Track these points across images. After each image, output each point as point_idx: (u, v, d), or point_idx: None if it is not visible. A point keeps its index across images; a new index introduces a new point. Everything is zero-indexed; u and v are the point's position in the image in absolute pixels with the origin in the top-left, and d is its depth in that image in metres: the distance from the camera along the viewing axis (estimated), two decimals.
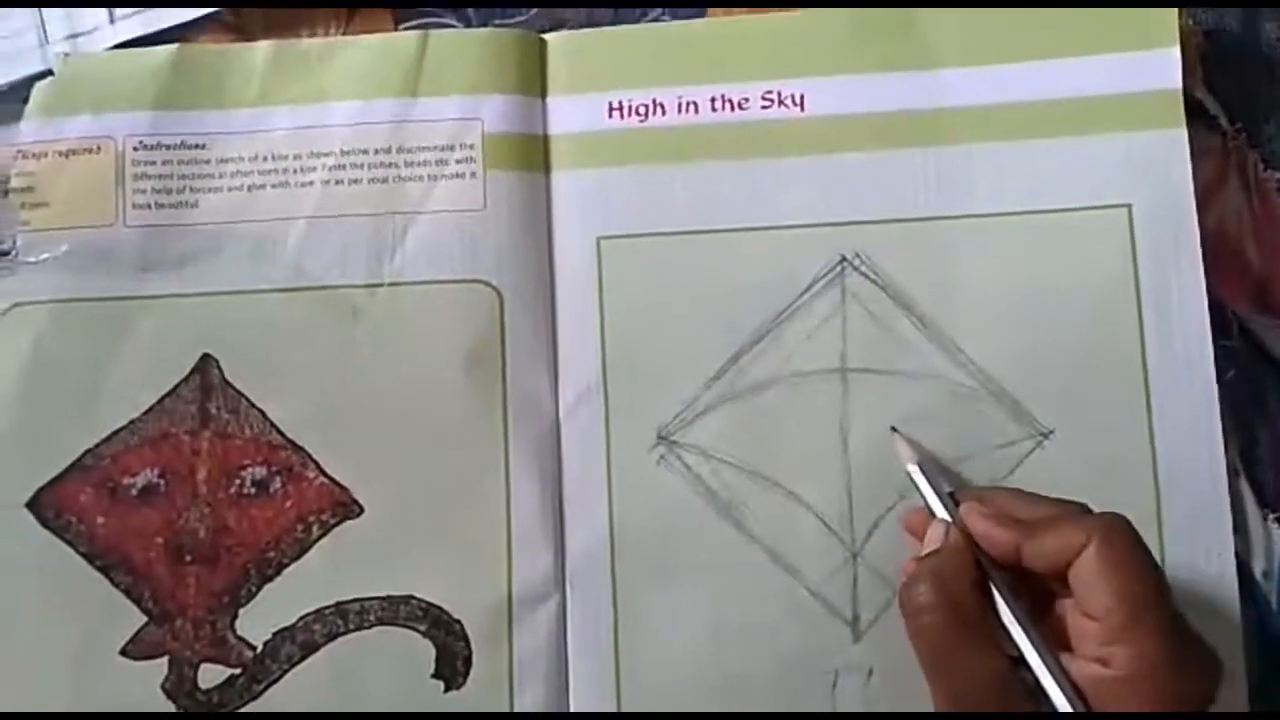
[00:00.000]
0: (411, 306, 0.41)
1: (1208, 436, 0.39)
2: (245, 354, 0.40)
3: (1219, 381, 0.39)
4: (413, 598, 0.39)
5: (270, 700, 0.39)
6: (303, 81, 0.42)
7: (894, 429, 0.39)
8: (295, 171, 0.41)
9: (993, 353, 0.40)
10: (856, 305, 0.40)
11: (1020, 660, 0.32)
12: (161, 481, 0.40)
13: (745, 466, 0.40)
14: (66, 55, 0.43)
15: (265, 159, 0.42)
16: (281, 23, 0.44)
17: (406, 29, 0.44)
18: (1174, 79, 0.41)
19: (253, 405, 0.40)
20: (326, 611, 0.39)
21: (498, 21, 0.44)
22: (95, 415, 0.40)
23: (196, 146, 0.42)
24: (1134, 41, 0.41)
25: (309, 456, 0.40)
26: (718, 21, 0.43)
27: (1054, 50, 0.41)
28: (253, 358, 0.40)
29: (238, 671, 0.39)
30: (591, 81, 0.42)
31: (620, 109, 0.42)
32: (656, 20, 0.44)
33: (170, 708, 0.38)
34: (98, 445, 0.40)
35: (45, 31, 0.43)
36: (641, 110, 0.42)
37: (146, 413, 0.40)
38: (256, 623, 0.39)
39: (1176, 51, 0.41)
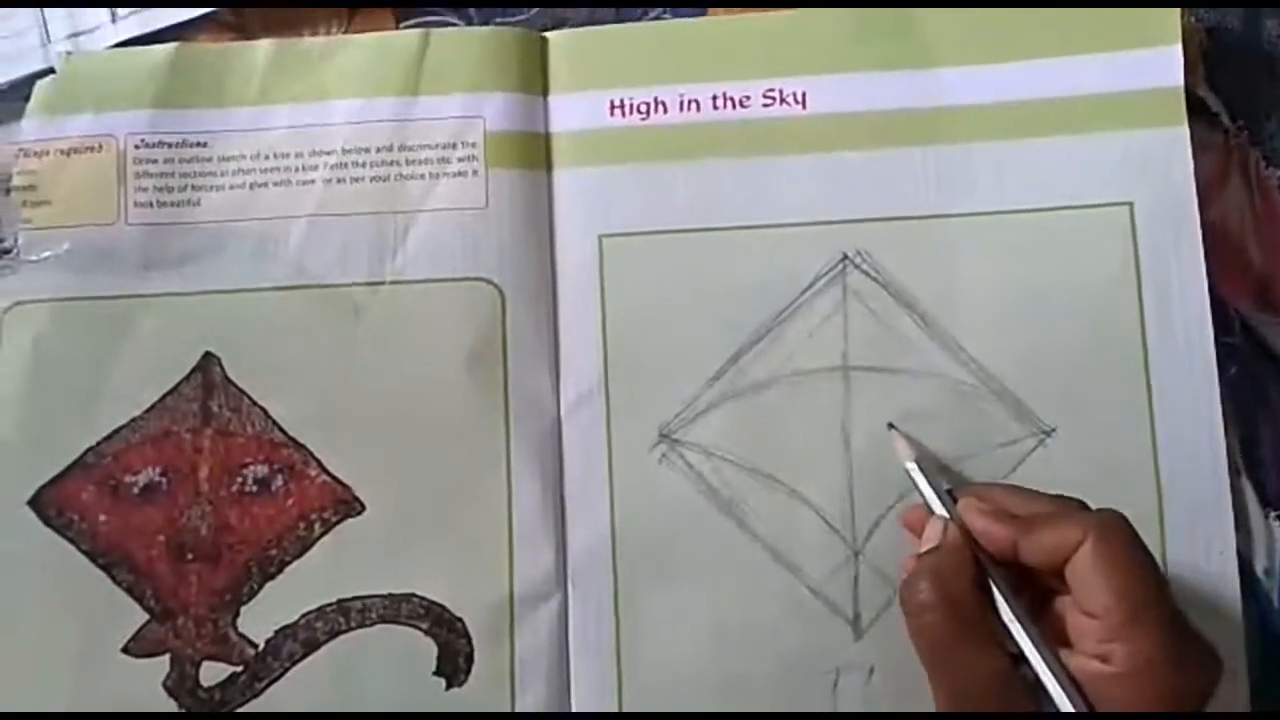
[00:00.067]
0: (413, 305, 0.41)
1: (1209, 434, 0.39)
2: (247, 352, 0.40)
3: (1220, 379, 0.39)
4: (414, 596, 0.39)
5: (272, 698, 0.39)
6: (304, 80, 0.42)
7: (891, 426, 0.39)
8: (297, 170, 0.41)
9: (994, 351, 0.40)
10: (858, 303, 0.40)
11: (1020, 657, 0.32)
12: (163, 480, 0.40)
13: (747, 465, 0.40)
14: (68, 54, 0.43)
15: (267, 157, 0.42)
16: (283, 21, 0.44)
17: (408, 27, 0.44)
18: (1175, 77, 0.41)
19: (254, 403, 0.40)
20: (328, 609, 0.39)
21: (499, 20, 0.44)
22: (97, 413, 0.40)
23: (198, 145, 0.42)
24: (1136, 39, 0.41)
25: (311, 454, 0.40)
26: (719, 20, 0.43)
27: (1055, 48, 0.41)
28: (254, 356, 0.40)
29: (239, 669, 0.39)
30: (593, 80, 0.42)
31: (622, 107, 0.42)
32: (658, 18, 0.44)
33: (172, 706, 0.38)
34: (99, 443, 0.40)
35: (47, 30, 0.43)
36: (643, 108, 0.42)
37: (148, 411, 0.40)
38: (258, 621, 0.39)
39: (1178, 49, 0.41)
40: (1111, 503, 0.33)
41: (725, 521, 0.40)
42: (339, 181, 0.41)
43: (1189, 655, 0.31)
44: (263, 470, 0.40)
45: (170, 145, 0.42)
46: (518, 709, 0.38)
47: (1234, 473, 0.39)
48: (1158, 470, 0.39)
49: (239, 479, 0.40)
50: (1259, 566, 0.39)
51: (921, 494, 0.37)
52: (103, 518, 0.39)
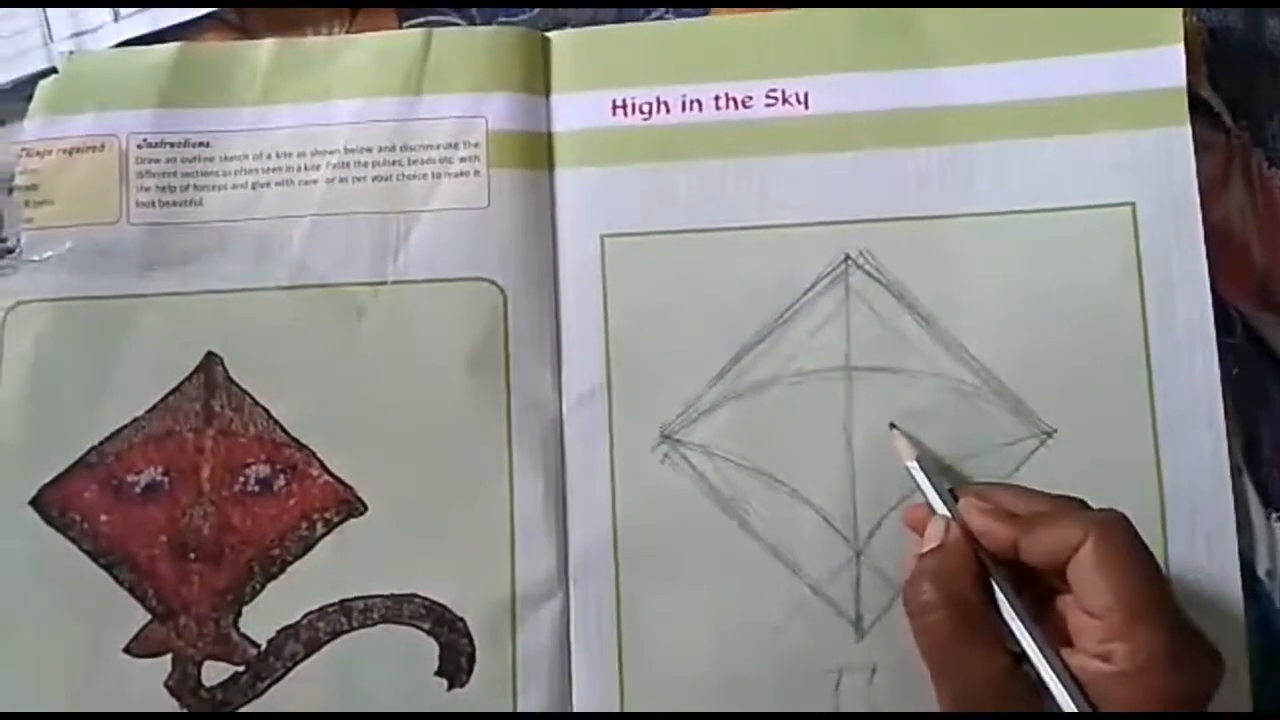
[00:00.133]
0: (415, 305, 0.41)
1: (1211, 435, 0.39)
2: (249, 352, 0.40)
3: (1222, 379, 0.39)
4: (416, 596, 0.39)
5: (273, 698, 0.39)
6: (306, 80, 0.42)
7: (893, 426, 0.39)
8: (299, 170, 0.41)
9: (996, 351, 0.40)
10: (860, 303, 0.40)
11: (1023, 657, 0.32)
12: (165, 479, 0.40)
13: (749, 465, 0.40)
14: (71, 53, 0.43)
15: (269, 157, 0.42)
16: (285, 21, 0.44)
17: (410, 27, 0.44)
18: (1178, 77, 0.41)
19: (256, 403, 0.40)
20: (330, 609, 0.39)
21: (501, 19, 0.44)
22: (99, 413, 0.40)
23: (200, 145, 0.42)
24: (1138, 40, 0.41)
25: (313, 454, 0.40)
26: (721, 20, 0.43)
27: (1058, 48, 0.41)
28: (257, 356, 0.40)
29: (241, 669, 0.39)
30: (595, 79, 0.42)
31: (624, 107, 0.42)
32: (660, 18, 0.44)
33: (174, 706, 0.38)
34: (101, 443, 0.40)
35: (49, 30, 0.43)
36: (645, 108, 0.42)
37: (150, 411, 0.40)
38: (260, 621, 0.39)
39: (1181, 50, 0.41)
40: (1113, 503, 0.33)
41: (727, 521, 0.39)
42: (341, 181, 0.41)
43: (1190, 655, 0.31)
44: (265, 470, 0.40)
45: (172, 145, 0.42)
46: (519, 709, 0.38)
47: (1235, 473, 0.39)
48: (1159, 471, 0.39)
49: (241, 479, 0.40)
50: (1260, 567, 0.39)
51: (923, 494, 0.37)
52: (104, 517, 0.39)
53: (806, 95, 0.42)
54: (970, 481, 0.39)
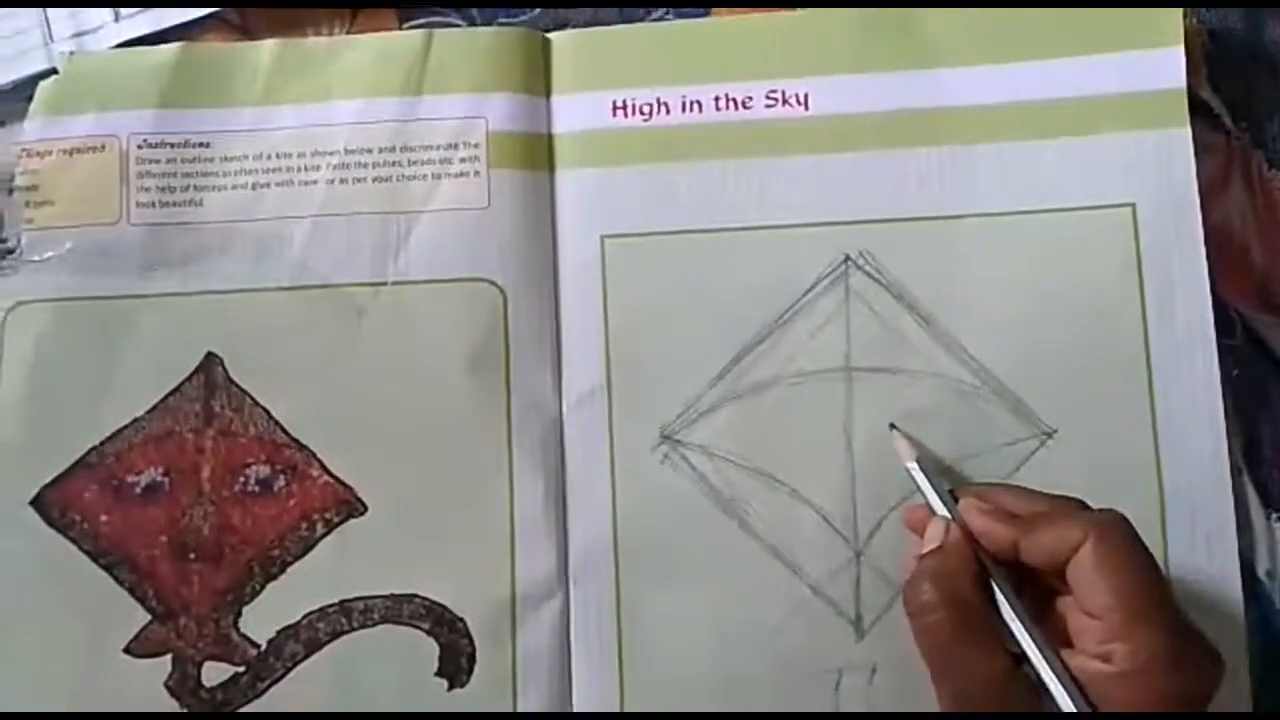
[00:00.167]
0: (415, 305, 0.41)
1: (1211, 435, 0.39)
2: (249, 352, 0.40)
3: (1222, 380, 0.39)
4: (416, 596, 0.39)
5: (273, 698, 0.39)
6: (307, 80, 0.42)
7: (893, 426, 0.39)
8: (299, 170, 0.41)
9: (996, 352, 0.40)
10: (860, 304, 0.41)
11: (1023, 657, 0.32)
12: (165, 480, 0.40)
13: (749, 465, 0.40)
14: (71, 54, 0.43)
15: (269, 158, 0.42)
16: (286, 22, 0.44)
17: (410, 28, 0.44)
18: (1178, 79, 0.41)
19: (256, 404, 0.40)
20: (330, 610, 0.39)
21: (502, 20, 0.44)
22: (99, 414, 0.40)
23: (201, 145, 0.42)
24: (1138, 41, 0.41)
25: (313, 455, 0.40)
26: (722, 21, 0.43)
27: (1058, 50, 0.41)
28: (257, 356, 0.40)
29: (241, 670, 0.39)
30: (596, 80, 0.42)
31: (624, 108, 0.42)
32: (661, 19, 0.44)
33: (174, 706, 0.38)
34: (102, 443, 0.40)
35: (50, 30, 0.43)
36: (645, 109, 0.42)
37: (150, 411, 0.40)
38: (260, 621, 0.39)
39: (1181, 51, 0.41)
40: (1113, 504, 0.33)
41: (727, 522, 0.40)
42: (342, 182, 0.41)
43: (1190, 655, 0.31)
44: (265, 470, 0.40)
45: (173, 145, 0.42)
46: (519, 709, 0.38)
47: (1235, 473, 0.39)
48: (1159, 471, 0.39)
49: (241, 479, 0.40)
50: (1260, 568, 0.40)
51: (923, 494, 0.37)
52: (105, 518, 0.39)
53: (807, 96, 0.42)
54: (970, 482, 0.39)
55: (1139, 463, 0.39)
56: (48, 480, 0.39)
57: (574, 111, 0.42)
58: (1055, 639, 0.32)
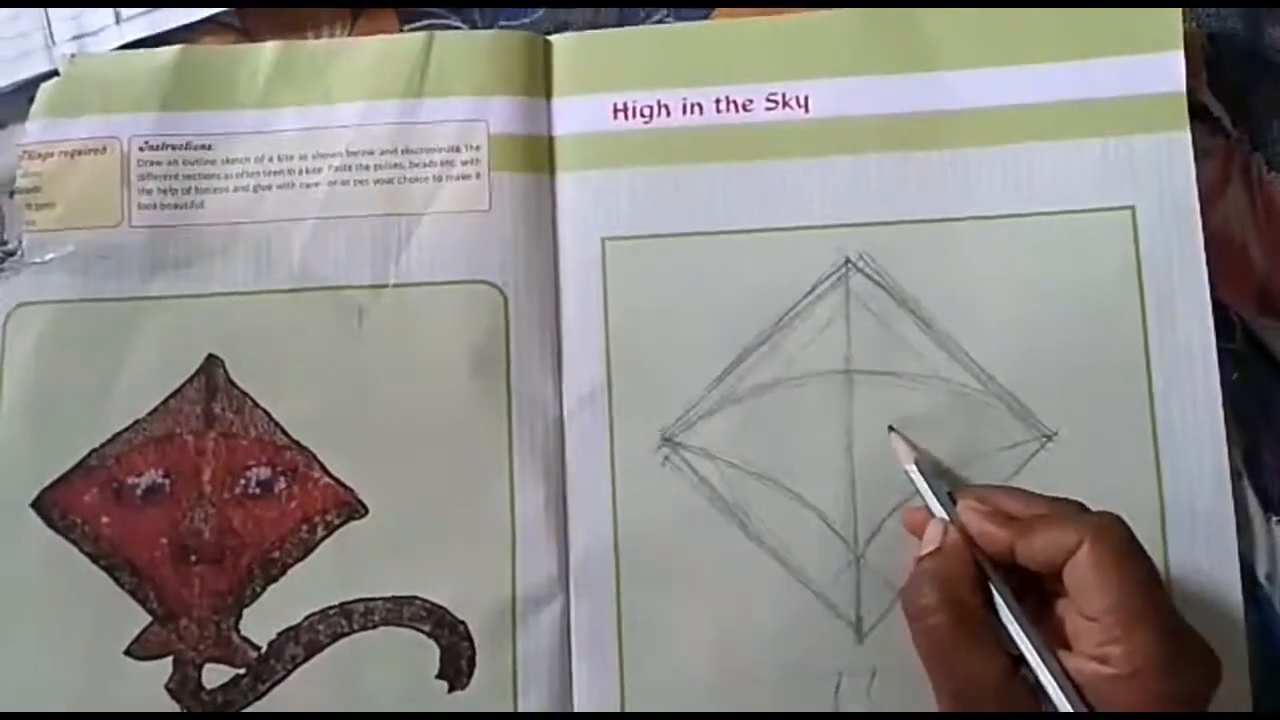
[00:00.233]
0: (416, 307, 0.41)
1: (1211, 439, 0.39)
2: (250, 355, 0.40)
3: (1222, 384, 0.39)
4: (417, 598, 0.39)
5: (274, 700, 0.39)
6: (308, 83, 0.42)
7: (892, 428, 0.39)
8: (301, 172, 0.42)
9: (997, 355, 0.40)
10: (860, 307, 0.41)
11: (1021, 658, 0.32)
12: (166, 482, 0.40)
13: (749, 468, 0.40)
14: (73, 56, 0.43)
15: (271, 160, 0.42)
16: (286, 24, 0.44)
17: (411, 30, 0.44)
18: (1178, 82, 0.41)
19: (257, 406, 0.40)
20: (331, 612, 0.39)
21: (503, 23, 0.44)
22: (100, 416, 0.40)
23: (202, 147, 0.42)
24: (1138, 45, 0.41)
25: (314, 457, 0.40)
26: (722, 23, 0.43)
27: (1058, 53, 0.41)
28: (258, 359, 0.40)
29: (242, 672, 0.39)
30: (596, 83, 0.42)
31: (625, 110, 0.42)
32: (661, 22, 0.44)
33: (175, 708, 0.38)
34: (102, 446, 0.40)
35: (51, 32, 0.43)
36: (646, 112, 0.42)
37: (151, 413, 0.40)
38: (261, 623, 0.39)
39: (1180, 55, 0.41)
40: (1113, 506, 0.33)
41: (727, 524, 0.40)
42: (343, 184, 0.41)
43: (1187, 657, 0.31)
44: (265, 473, 0.40)
45: (174, 148, 0.42)
46: (520, 710, 0.38)
47: (1235, 477, 0.39)
48: (1159, 474, 0.39)
49: (242, 481, 0.40)
50: (1260, 571, 0.40)
51: (922, 496, 0.37)
52: (105, 520, 0.39)
53: (807, 99, 0.42)
54: (971, 485, 0.39)
55: (1139, 466, 0.39)
56: (49, 482, 0.39)
57: (575, 114, 0.42)
58: (1054, 641, 0.32)
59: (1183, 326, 0.40)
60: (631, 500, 0.40)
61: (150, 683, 0.38)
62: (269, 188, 0.41)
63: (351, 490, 0.40)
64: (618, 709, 0.38)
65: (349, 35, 0.44)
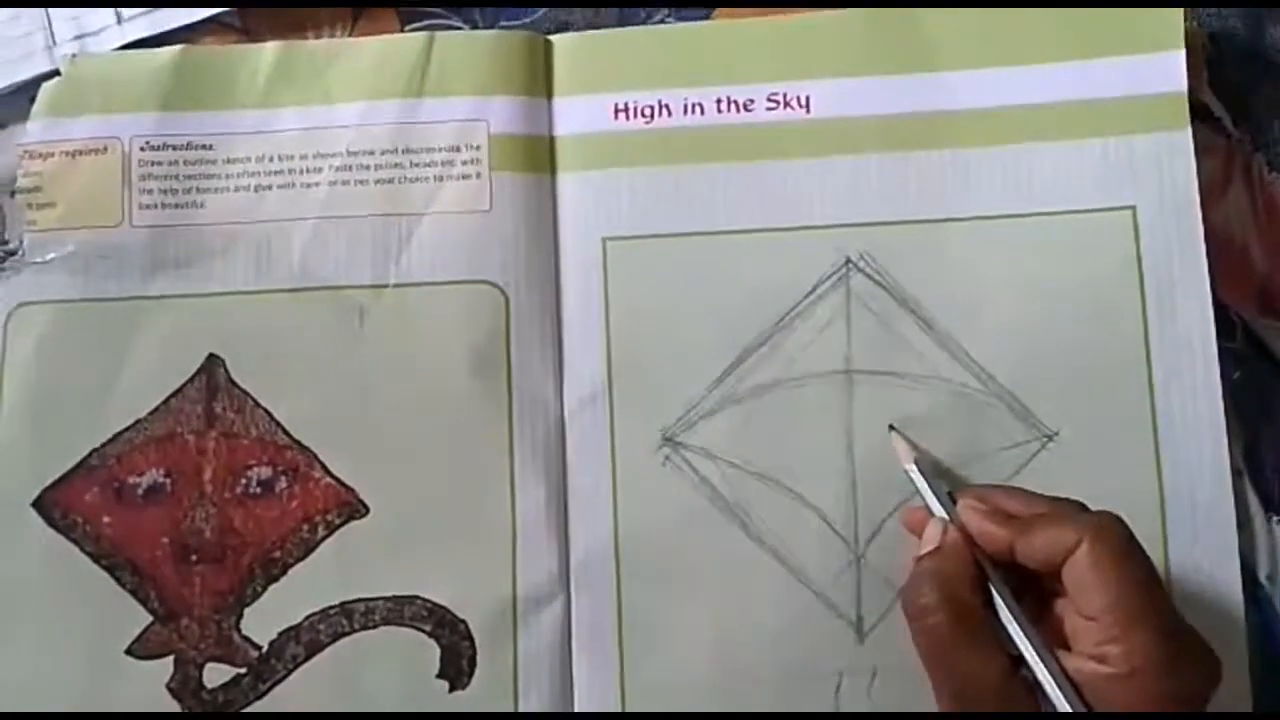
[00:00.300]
0: (417, 307, 0.41)
1: (1212, 438, 0.39)
2: (251, 354, 0.40)
3: (1222, 383, 0.39)
4: (418, 598, 0.39)
5: (275, 700, 0.39)
6: (309, 83, 0.42)
7: (892, 427, 0.40)
8: (301, 172, 0.42)
9: (997, 354, 0.40)
10: (861, 307, 0.41)
11: (1022, 658, 0.32)
12: (167, 481, 0.40)
13: (750, 468, 0.40)
14: (73, 56, 0.43)
15: (271, 160, 0.42)
16: (287, 24, 0.44)
17: (412, 30, 0.44)
18: (1179, 82, 0.41)
19: (258, 405, 0.40)
20: (332, 611, 0.39)
21: (503, 23, 0.44)
22: (101, 415, 0.40)
23: (203, 147, 0.42)
24: (1139, 45, 0.41)
25: (314, 457, 0.40)
26: (723, 24, 0.43)
27: (1059, 53, 0.41)
28: (258, 358, 0.40)
29: (243, 671, 0.39)
30: (597, 83, 0.42)
31: (626, 110, 0.42)
32: (662, 22, 0.44)
33: (175, 707, 0.38)
34: (103, 445, 0.40)
35: (52, 32, 0.43)
36: (647, 112, 0.42)
37: (152, 413, 0.40)
38: (262, 622, 0.39)
39: (1181, 55, 0.41)
40: (1114, 506, 0.33)
41: (728, 524, 0.40)
42: (344, 184, 0.41)
43: (1186, 657, 0.31)
44: (266, 472, 0.40)
45: (175, 148, 0.42)
46: (521, 710, 0.38)
47: (1236, 476, 0.39)
48: (1160, 474, 0.39)
49: (243, 481, 0.40)
50: (1261, 571, 0.40)
51: (921, 495, 0.37)
52: (107, 519, 0.39)
53: (808, 99, 0.42)
54: (972, 484, 0.39)
55: (1140, 465, 0.39)
56: (50, 482, 0.40)
57: (575, 114, 0.42)
58: (1054, 640, 0.32)
59: (1183, 326, 0.40)
60: (632, 500, 0.40)
61: (151, 682, 0.38)
62: (270, 188, 0.42)
63: (352, 490, 0.40)
64: (618, 709, 0.38)
65: (350, 35, 0.44)
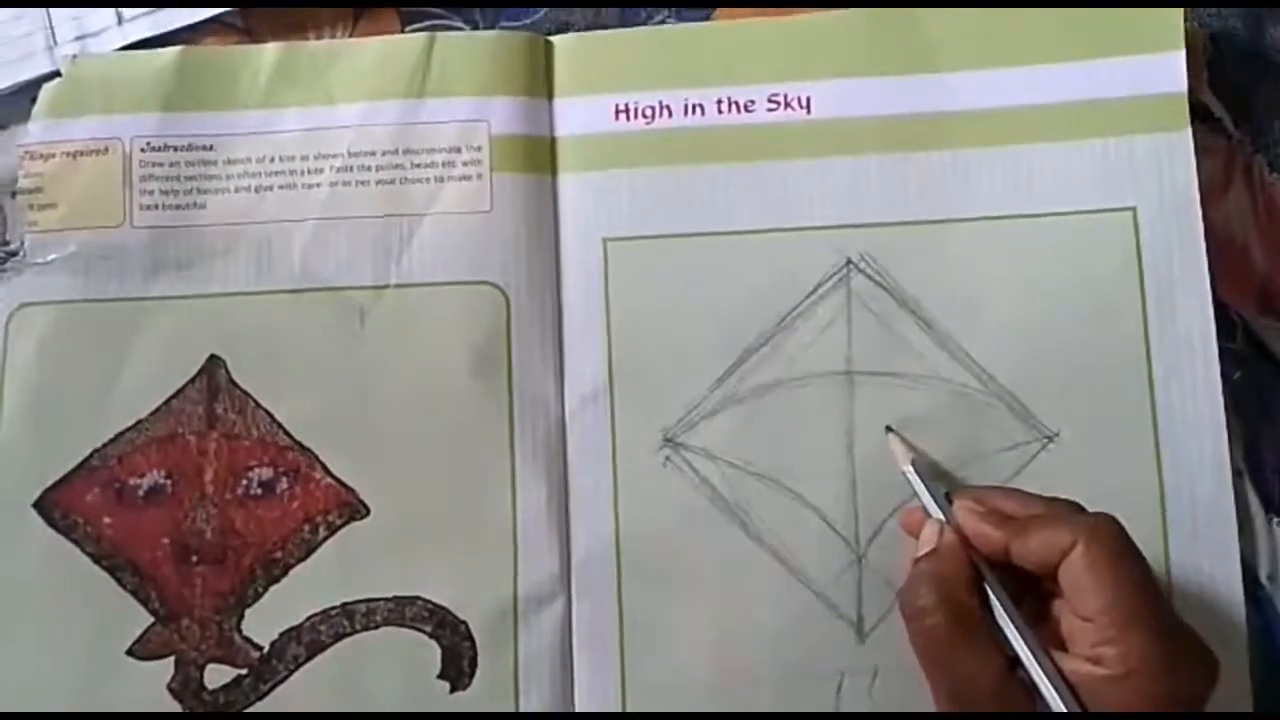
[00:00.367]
0: (418, 308, 0.41)
1: (1212, 439, 0.39)
2: (252, 355, 0.41)
3: (1223, 383, 0.39)
4: (419, 599, 0.39)
5: (276, 701, 0.39)
6: (310, 83, 0.42)
7: (889, 428, 0.40)
8: (302, 173, 0.42)
9: (998, 355, 0.40)
10: (862, 308, 0.41)
11: (1019, 659, 0.32)
12: (168, 482, 0.40)
13: (751, 469, 0.40)
14: (74, 57, 0.43)
15: (272, 160, 0.42)
16: (288, 24, 0.44)
17: (413, 31, 0.44)
18: (1179, 83, 0.41)
19: (259, 406, 0.40)
20: (333, 612, 0.39)
21: (504, 24, 0.44)
22: (102, 416, 0.40)
23: (204, 148, 0.42)
24: (1139, 45, 0.41)
25: (315, 457, 0.40)
26: (724, 25, 0.43)
27: (1060, 54, 0.41)
28: (259, 359, 0.40)
29: (244, 672, 0.39)
30: (598, 84, 0.42)
31: (627, 111, 0.42)
32: (663, 23, 0.44)
33: (176, 708, 0.38)
34: (105, 446, 0.40)
35: (53, 33, 0.43)
36: (648, 112, 0.42)
37: (153, 414, 0.40)
38: (263, 623, 0.39)
39: (1182, 55, 0.41)
40: (1114, 507, 0.33)
41: (729, 525, 0.40)
42: (345, 185, 0.41)
43: (1182, 657, 0.31)
44: (267, 473, 0.40)
45: (176, 148, 0.42)
46: (522, 710, 0.38)
47: (1236, 477, 0.39)
48: (1161, 474, 0.39)
49: (244, 482, 0.40)
50: (1262, 571, 0.40)
51: (919, 497, 0.37)
52: (107, 520, 0.39)
53: (809, 100, 0.42)
54: (972, 485, 0.39)
55: (1140, 466, 0.39)
56: (51, 483, 0.40)
57: (576, 115, 0.42)
58: (1051, 641, 0.32)
59: (1184, 326, 0.40)
60: (633, 500, 0.40)
61: (152, 683, 0.38)
62: (270, 188, 0.42)
63: (353, 490, 0.40)
64: (619, 709, 0.38)
65: (351, 36, 0.44)
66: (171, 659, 0.39)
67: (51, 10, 0.44)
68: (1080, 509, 0.34)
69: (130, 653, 0.39)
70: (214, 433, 0.40)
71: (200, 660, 0.39)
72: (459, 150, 0.41)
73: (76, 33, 0.43)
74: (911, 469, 0.38)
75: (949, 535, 0.34)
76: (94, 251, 0.41)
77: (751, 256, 0.41)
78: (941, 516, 0.35)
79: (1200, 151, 0.41)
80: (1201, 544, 0.39)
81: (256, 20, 0.44)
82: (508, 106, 0.42)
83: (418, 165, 0.42)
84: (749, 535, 0.39)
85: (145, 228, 0.41)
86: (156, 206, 0.41)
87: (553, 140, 0.42)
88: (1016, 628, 0.32)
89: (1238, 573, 0.39)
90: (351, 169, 0.41)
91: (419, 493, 0.40)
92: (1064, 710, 0.30)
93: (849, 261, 0.41)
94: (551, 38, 0.43)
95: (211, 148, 0.42)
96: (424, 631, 0.39)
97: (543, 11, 0.44)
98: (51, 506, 0.39)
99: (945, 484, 0.38)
